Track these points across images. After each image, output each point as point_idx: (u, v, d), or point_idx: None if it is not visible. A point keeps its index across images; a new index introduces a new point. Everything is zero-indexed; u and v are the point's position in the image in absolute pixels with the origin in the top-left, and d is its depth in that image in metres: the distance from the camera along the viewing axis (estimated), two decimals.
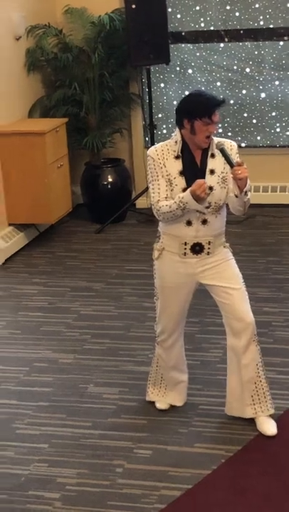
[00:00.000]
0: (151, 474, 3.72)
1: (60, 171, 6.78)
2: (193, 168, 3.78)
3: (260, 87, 7.38)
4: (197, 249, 3.86)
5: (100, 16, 7.07)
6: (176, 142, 3.79)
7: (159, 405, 4.25)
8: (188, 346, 4.82)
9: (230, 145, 3.84)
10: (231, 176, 3.70)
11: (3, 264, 6.46)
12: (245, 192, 3.70)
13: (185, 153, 3.78)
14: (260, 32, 7.23)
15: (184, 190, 3.73)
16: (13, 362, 4.86)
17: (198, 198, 3.62)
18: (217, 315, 5.17)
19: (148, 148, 7.34)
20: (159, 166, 3.78)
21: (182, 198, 3.67)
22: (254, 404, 3.99)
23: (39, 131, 6.53)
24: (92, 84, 7.15)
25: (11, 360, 4.89)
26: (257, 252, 6.37)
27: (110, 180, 7.26)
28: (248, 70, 7.38)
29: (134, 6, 6.76)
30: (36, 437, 4.07)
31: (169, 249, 3.92)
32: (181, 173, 3.77)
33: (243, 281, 3.97)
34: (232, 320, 3.93)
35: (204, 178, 3.75)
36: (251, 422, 4.05)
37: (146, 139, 7.51)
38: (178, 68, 7.50)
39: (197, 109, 3.68)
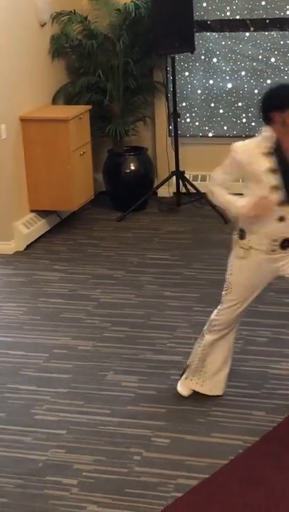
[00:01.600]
0: (169, 463, 3.73)
1: (82, 158, 6.78)
2: (286, 166, 3.68)
3: (286, 77, 7.31)
4: (285, 244, 3.80)
5: (125, 3, 7.05)
6: (266, 139, 3.68)
7: (183, 391, 4.23)
8: None
9: None
10: None
11: (25, 250, 6.48)
12: None
13: (278, 151, 3.67)
14: (287, 21, 7.17)
15: (273, 187, 3.67)
16: (33, 348, 4.88)
17: (254, 214, 3.70)
18: None
19: (171, 136, 7.38)
20: (237, 164, 3.72)
21: (236, 203, 3.75)
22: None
23: (63, 118, 6.53)
24: (117, 71, 7.13)
25: (30, 346, 4.91)
26: None
27: (132, 168, 7.25)
28: (273, 59, 7.33)
29: None
30: (55, 423, 4.09)
31: (257, 247, 3.82)
32: (272, 170, 3.67)
33: None
34: None
35: None
36: (270, 412, 4.05)
37: (170, 127, 7.48)
38: (203, 57, 7.46)
39: (287, 99, 3.61)
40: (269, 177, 3.68)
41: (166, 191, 7.45)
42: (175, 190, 7.30)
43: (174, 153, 7.17)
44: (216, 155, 7.48)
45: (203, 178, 7.56)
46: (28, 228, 6.56)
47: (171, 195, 7.47)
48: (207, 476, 3.62)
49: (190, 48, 6.97)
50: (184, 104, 7.58)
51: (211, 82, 7.51)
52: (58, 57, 7.15)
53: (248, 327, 4.89)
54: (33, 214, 6.72)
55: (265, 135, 3.71)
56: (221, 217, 6.76)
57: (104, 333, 5.03)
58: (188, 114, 7.61)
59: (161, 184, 7.32)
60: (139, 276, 5.87)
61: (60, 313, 5.33)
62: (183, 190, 7.24)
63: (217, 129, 7.56)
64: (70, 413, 4.17)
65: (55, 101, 7.13)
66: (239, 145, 3.74)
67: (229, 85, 7.47)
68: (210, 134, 7.59)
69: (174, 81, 7.11)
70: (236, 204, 3.76)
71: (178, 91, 7.31)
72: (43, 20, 6.84)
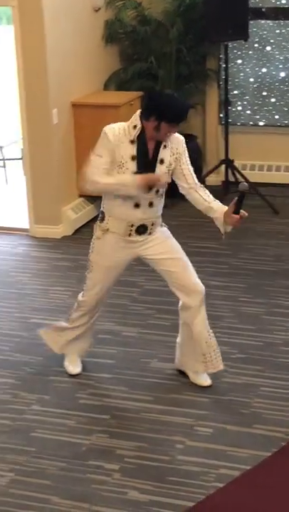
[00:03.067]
0: (211, 452, 3.74)
1: None
2: (144, 156, 3.89)
3: None
4: (141, 230, 4.04)
5: None
6: (134, 127, 3.86)
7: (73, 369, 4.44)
8: (252, 327, 4.82)
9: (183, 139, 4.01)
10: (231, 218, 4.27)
11: (72, 234, 6.51)
12: None
13: (140, 140, 3.86)
14: None
15: (134, 174, 3.85)
16: None
17: (143, 185, 3.80)
18: (285, 297, 5.15)
19: (222, 125, 7.34)
20: (111, 147, 3.85)
21: (124, 180, 3.83)
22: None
23: (114, 104, 6.53)
24: (169, 58, 7.11)
25: None
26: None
27: None
28: None
29: None
30: (98, 408, 4.12)
31: (113, 230, 4.05)
32: (133, 158, 3.86)
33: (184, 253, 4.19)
34: (181, 287, 4.15)
35: (154, 166, 3.90)
36: None
37: (221, 115, 7.45)
38: (256, 45, 7.40)
39: (170, 114, 3.79)
40: (130, 164, 3.86)
41: (214, 180, 7.42)
42: (223, 179, 7.26)
43: (223, 141, 7.13)
44: (265, 144, 7.53)
45: (252, 168, 7.53)
46: (76, 213, 6.60)
47: (220, 183, 7.44)
48: (249, 467, 3.62)
49: (244, 35, 6.91)
50: (235, 92, 7.53)
51: (263, 70, 7.44)
52: (112, 43, 7.15)
53: None
54: (81, 199, 6.75)
55: (134, 123, 3.87)
56: (270, 207, 6.72)
57: (148, 320, 5.04)
58: (239, 102, 7.56)
59: (210, 172, 7.29)
60: None
61: None
62: (231, 179, 7.20)
63: (268, 118, 7.50)
64: (114, 398, 4.21)
65: (106, 87, 7.13)
66: (112, 129, 3.88)
67: (282, 74, 7.40)
68: (261, 123, 7.54)
69: (226, 69, 7.06)
70: (131, 177, 3.84)
71: (230, 79, 7.26)
72: (97, 5, 6.85)
